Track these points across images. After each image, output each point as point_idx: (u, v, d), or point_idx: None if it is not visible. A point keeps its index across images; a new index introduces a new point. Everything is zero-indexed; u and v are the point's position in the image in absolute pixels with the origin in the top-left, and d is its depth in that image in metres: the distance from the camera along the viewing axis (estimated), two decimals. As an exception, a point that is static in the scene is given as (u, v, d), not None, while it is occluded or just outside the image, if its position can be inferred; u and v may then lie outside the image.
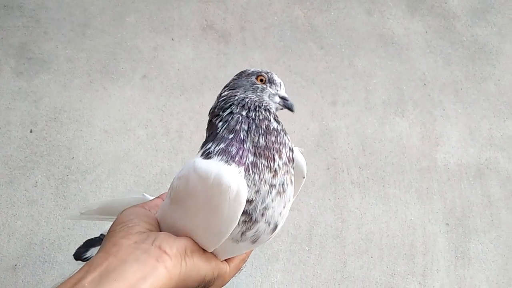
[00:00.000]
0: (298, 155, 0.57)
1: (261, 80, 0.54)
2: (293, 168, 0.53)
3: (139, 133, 1.16)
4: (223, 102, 0.53)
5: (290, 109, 0.54)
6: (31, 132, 1.12)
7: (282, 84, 0.56)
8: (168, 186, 1.13)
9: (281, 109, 0.55)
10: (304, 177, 0.60)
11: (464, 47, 1.46)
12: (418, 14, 1.49)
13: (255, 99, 0.52)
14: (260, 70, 0.55)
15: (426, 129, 1.30)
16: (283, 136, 0.51)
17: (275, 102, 0.54)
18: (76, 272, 0.44)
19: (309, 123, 1.25)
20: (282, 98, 0.54)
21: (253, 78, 0.55)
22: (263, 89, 0.54)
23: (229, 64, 1.30)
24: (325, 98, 1.30)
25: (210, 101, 1.29)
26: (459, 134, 1.30)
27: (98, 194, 1.07)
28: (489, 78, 1.41)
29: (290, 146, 0.52)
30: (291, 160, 0.52)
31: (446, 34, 1.47)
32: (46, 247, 0.99)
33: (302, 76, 1.32)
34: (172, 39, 1.31)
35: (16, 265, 0.97)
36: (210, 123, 0.53)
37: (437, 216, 1.17)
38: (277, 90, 0.55)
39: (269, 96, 0.54)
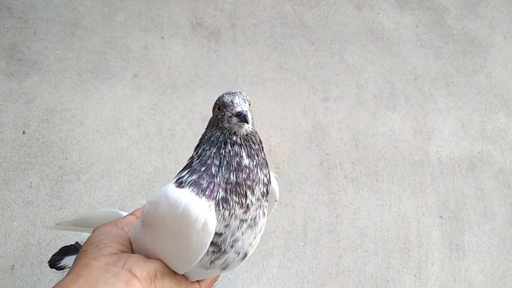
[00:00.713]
0: (272, 180, 0.57)
1: (219, 109, 0.53)
2: (267, 200, 0.54)
3: (131, 133, 1.16)
4: (199, 141, 0.54)
5: (243, 121, 0.50)
6: (23, 133, 1.11)
7: (235, 99, 0.52)
8: (162, 185, 1.13)
9: (243, 125, 0.51)
10: (276, 201, 0.60)
11: (454, 41, 1.47)
12: (408, 8, 1.50)
13: (218, 133, 0.52)
14: (218, 98, 0.53)
15: (418, 123, 1.31)
16: (256, 172, 0.51)
17: (235, 124, 0.51)
18: None
19: (301, 119, 1.25)
20: (236, 115, 0.51)
21: (216, 110, 0.54)
22: (222, 117, 0.52)
23: (219, 62, 1.30)
24: (317, 94, 1.30)
25: (202, 99, 1.30)
26: (451, 128, 1.31)
27: (93, 194, 1.06)
28: (480, 71, 1.42)
29: (265, 181, 0.52)
30: (265, 194, 0.52)
31: (436, 28, 1.48)
32: (43, 247, 0.99)
33: (293, 72, 1.32)
34: (162, 37, 1.31)
35: (13, 265, 0.97)
36: (191, 157, 0.54)
37: (431, 209, 1.18)
38: (232, 110, 0.51)
39: (227, 121, 0.52)
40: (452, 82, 1.39)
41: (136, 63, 1.25)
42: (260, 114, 1.24)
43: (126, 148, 1.13)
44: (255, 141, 0.53)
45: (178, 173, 0.52)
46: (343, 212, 1.15)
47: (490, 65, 1.43)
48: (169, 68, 1.27)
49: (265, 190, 0.52)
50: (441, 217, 1.18)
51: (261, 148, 0.54)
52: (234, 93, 0.52)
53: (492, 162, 1.27)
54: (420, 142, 1.27)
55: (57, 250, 0.72)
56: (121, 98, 1.20)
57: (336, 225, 1.13)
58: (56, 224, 0.66)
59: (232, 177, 0.49)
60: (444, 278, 1.10)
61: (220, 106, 0.52)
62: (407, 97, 1.34)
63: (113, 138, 1.14)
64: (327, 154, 1.22)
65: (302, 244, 1.09)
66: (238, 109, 0.51)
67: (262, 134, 1.21)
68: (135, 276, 0.47)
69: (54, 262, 0.71)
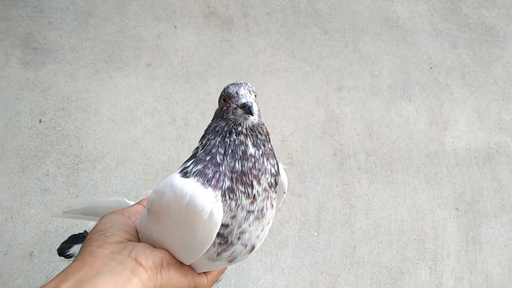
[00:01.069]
0: (280, 171, 0.56)
1: (224, 100, 0.51)
2: (276, 192, 0.52)
3: (145, 122, 1.16)
4: (204, 132, 0.53)
5: (248, 112, 0.48)
6: (40, 122, 1.12)
7: (240, 90, 0.50)
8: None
9: (248, 116, 0.50)
10: (284, 192, 0.59)
11: (471, 30, 1.44)
12: (424, -3, 1.47)
13: (223, 124, 0.51)
14: (223, 89, 0.52)
15: (433, 114, 1.29)
16: (263, 162, 0.49)
17: (240, 115, 0.50)
18: (51, 280, 0.44)
19: (314, 110, 1.24)
20: (241, 107, 0.49)
21: (222, 102, 0.52)
22: (227, 108, 0.51)
23: (232, 51, 1.29)
24: (330, 84, 1.29)
25: (215, 89, 1.30)
26: (467, 118, 1.29)
27: (108, 182, 1.07)
28: (497, 60, 1.39)
29: (273, 171, 0.51)
30: (273, 185, 0.51)
31: (452, 17, 1.45)
32: (61, 234, 1.00)
33: (306, 62, 1.31)
34: (175, 26, 1.30)
35: (32, 252, 0.98)
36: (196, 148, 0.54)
37: (446, 201, 1.17)
38: (237, 101, 0.50)
39: (232, 113, 0.50)
40: (468, 72, 1.37)
41: (149, 52, 1.25)
42: (273, 104, 1.23)
43: (140, 137, 1.14)
44: (261, 132, 0.51)
45: (183, 164, 0.51)
46: (357, 203, 1.14)
47: (508, 55, 1.40)
48: (182, 57, 1.26)
49: (273, 180, 0.51)
50: (457, 209, 1.16)
51: (268, 139, 0.52)
52: (240, 84, 0.51)
53: (510, 154, 1.25)
54: (435, 133, 1.26)
55: (66, 238, 0.73)
56: (135, 87, 1.20)
57: (350, 216, 1.12)
58: (64, 212, 0.66)
59: (238, 166, 0.48)
60: (460, 271, 1.09)
61: (225, 97, 0.51)
62: (422, 87, 1.32)
63: (128, 127, 1.15)
64: (341, 145, 1.21)
65: (316, 234, 1.09)
66: (243, 100, 0.49)
67: (274, 124, 1.20)
68: (140, 265, 0.46)
69: (63, 250, 0.71)
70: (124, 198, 0.66)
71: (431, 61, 1.37)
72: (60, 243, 0.72)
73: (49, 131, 1.11)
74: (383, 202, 1.15)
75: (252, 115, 0.49)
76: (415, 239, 1.11)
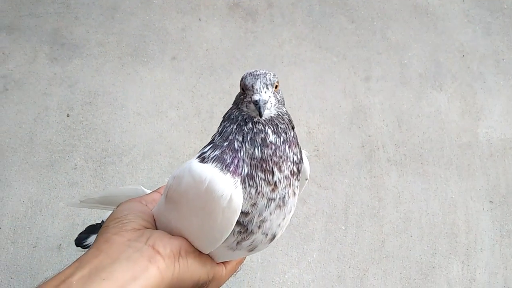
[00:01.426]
0: (303, 158, 0.54)
1: (243, 89, 0.49)
2: (299, 180, 0.51)
3: (171, 115, 1.16)
4: (222, 118, 0.52)
5: (258, 112, 0.47)
6: (68, 116, 1.14)
7: (256, 83, 0.48)
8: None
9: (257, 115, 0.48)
10: (307, 179, 0.57)
11: (505, 15, 1.38)
12: (455, -18, 1.41)
13: (237, 113, 0.49)
14: (242, 76, 0.50)
15: (466, 103, 1.24)
16: (284, 149, 0.48)
17: (253, 110, 0.48)
18: (67, 268, 0.44)
19: (341, 100, 1.22)
20: (253, 103, 0.47)
21: (240, 88, 0.50)
22: (242, 99, 0.49)
23: (257, 43, 1.28)
24: (358, 73, 1.26)
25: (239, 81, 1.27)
26: (502, 108, 1.24)
27: (135, 175, 1.08)
28: (533, 47, 1.33)
29: (296, 159, 0.49)
30: (296, 173, 0.49)
31: (484, 2, 1.39)
32: (88, 228, 1.02)
33: (333, 52, 1.28)
34: (199, 19, 1.30)
35: (60, 244, 1.00)
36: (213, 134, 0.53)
37: (480, 194, 1.12)
38: (251, 96, 0.48)
39: (246, 106, 0.49)
40: (503, 60, 1.31)
41: (174, 45, 1.25)
42: (299, 96, 1.21)
43: (166, 131, 1.14)
44: (281, 121, 0.49)
45: (201, 149, 0.50)
46: (386, 196, 1.11)
47: (545, 41, 1.33)
48: (206, 50, 1.26)
49: (295, 168, 0.49)
50: (491, 201, 1.12)
51: (290, 127, 0.50)
52: (258, 75, 0.48)
53: (548, 144, 1.19)
54: (468, 123, 1.21)
55: (84, 228, 0.73)
56: (160, 81, 1.20)
57: (378, 209, 1.09)
58: (81, 201, 0.66)
59: (257, 153, 0.46)
60: (494, 266, 1.05)
61: (243, 87, 0.49)
62: (454, 75, 1.27)
63: (153, 120, 1.15)
64: (369, 136, 1.18)
65: (343, 228, 1.07)
66: (256, 97, 0.47)
67: (300, 116, 1.18)
68: (158, 252, 0.45)
69: (80, 241, 0.71)
70: (141, 187, 0.65)
71: (463, 49, 1.32)
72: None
73: (76, 125, 1.13)
74: (413, 194, 1.11)
75: (261, 117, 0.47)
76: (446, 233, 1.08)
